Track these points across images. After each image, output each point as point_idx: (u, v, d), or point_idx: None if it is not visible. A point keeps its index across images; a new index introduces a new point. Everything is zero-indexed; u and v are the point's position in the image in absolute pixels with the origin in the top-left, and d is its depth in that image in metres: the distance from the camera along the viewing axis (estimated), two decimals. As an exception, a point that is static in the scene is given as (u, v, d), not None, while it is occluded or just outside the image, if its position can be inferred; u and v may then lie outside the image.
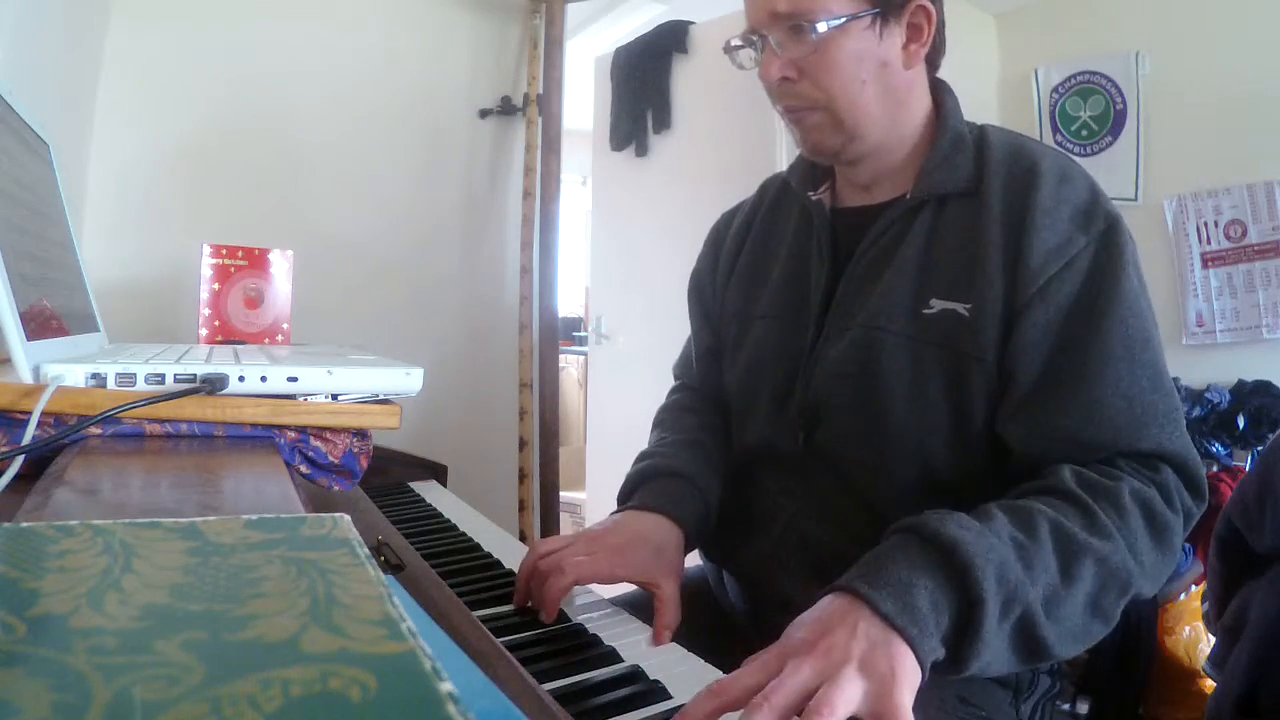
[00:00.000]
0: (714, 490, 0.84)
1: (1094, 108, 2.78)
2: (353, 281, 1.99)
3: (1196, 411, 2.41)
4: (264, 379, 0.63)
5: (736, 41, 0.80)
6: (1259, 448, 2.30)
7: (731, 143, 2.40)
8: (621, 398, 2.70)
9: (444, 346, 2.17)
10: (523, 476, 2.20)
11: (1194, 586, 1.74)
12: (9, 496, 0.45)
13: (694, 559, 0.95)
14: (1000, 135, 0.78)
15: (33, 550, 0.28)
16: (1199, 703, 1.64)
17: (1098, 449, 0.67)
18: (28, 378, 0.57)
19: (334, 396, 0.67)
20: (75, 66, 1.55)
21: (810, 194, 0.86)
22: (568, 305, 4.01)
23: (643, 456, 0.86)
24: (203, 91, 1.78)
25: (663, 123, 2.56)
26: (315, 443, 0.64)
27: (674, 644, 0.65)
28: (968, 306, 0.71)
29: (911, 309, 0.73)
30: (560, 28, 2.25)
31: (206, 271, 1.37)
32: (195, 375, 0.61)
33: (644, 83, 2.58)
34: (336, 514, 0.35)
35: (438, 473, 1.26)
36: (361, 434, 0.68)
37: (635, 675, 0.57)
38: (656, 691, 0.55)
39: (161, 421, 0.60)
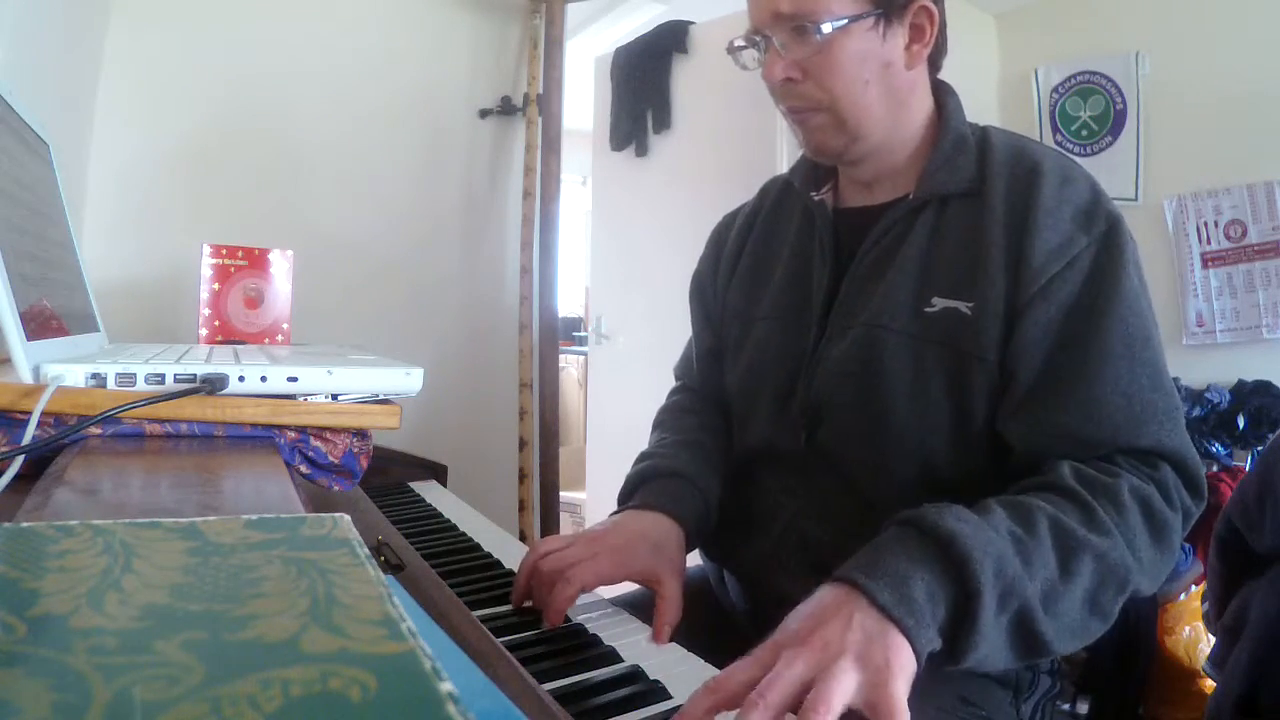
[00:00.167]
0: (714, 490, 0.84)
1: (1094, 108, 2.78)
2: (353, 281, 1.99)
3: (1196, 411, 2.41)
4: (264, 379, 0.63)
5: (740, 42, 0.80)
6: (1259, 448, 2.30)
7: (731, 143, 2.40)
8: (621, 398, 2.70)
9: (444, 346, 2.17)
10: (523, 476, 2.20)
11: (1194, 586, 1.74)
12: (9, 496, 0.45)
13: (694, 559, 0.95)
14: (1003, 136, 0.78)
15: (33, 550, 0.28)
16: (1199, 703, 1.64)
17: (1097, 446, 0.67)
18: (28, 378, 0.57)
19: (334, 396, 0.67)
20: (75, 66, 1.55)
21: (813, 194, 0.86)
22: (568, 305, 4.01)
23: (642, 457, 0.87)
24: (203, 91, 1.78)
25: (663, 123, 2.56)
26: (315, 443, 0.64)
27: (674, 644, 0.65)
28: (970, 305, 0.71)
29: (914, 307, 0.74)
30: (560, 28, 2.25)
31: (206, 271, 1.37)
32: (195, 375, 0.61)
33: (644, 83, 2.58)
34: (336, 514, 0.35)
35: (438, 473, 1.26)
36: (361, 434, 0.68)
37: (635, 675, 0.57)
38: (656, 691, 0.55)
39: (161, 421, 0.60)
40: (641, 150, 2.61)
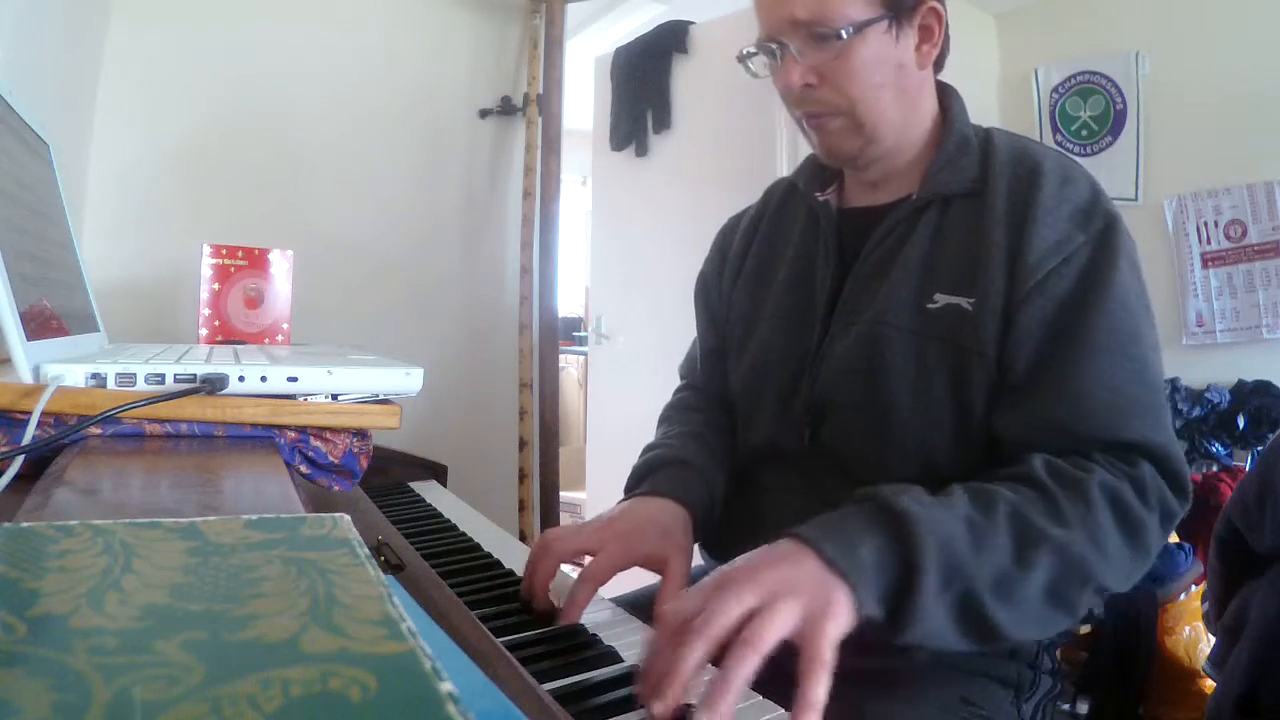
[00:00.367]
0: (719, 482, 0.84)
1: (1094, 108, 2.78)
2: (353, 281, 1.99)
3: (1196, 411, 2.41)
4: (264, 379, 0.63)
5: (750, 49, 0.80)
6: (1259, 448, 2.30)
7: (731, 143, 2.40)
8: (621, 398, 2.70)
9: (444, 346, 2.17)
10: (523, 476, 2.20)
11: (1194, 586, 1.74)
12: (9, 496, 0.46)
13: (696, 558, 0.95)
14: (1005, 138, 0.79)
15: (33, 550, 0.28)
16: (1199, 703, 1.64)
17: (1080, 438, 0.67)
18: (28, 378, 0.57)
19: (334, 396, 0.67)
20: (75, 66, 1.55)
21: (817, 195, 0.87)
22: (568, 305, 4.01)
23: (649, 448, 0.87)
24: (203, 91, 1.78)
25: (663, 123, 2.56)
26: (315, 443, 0.64)
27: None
28: (970, 301, 0.72)
29: (916, 304, 0.75)
30: (560, 28, 2.25)
31: (206, 271, 1.37)
32: (195, 375, 0.61)
33: (644, 83, 2.58)
34: (336, 514, 0.35)
35: (438, 473, 1.26)
36: (361, 434, 0.68)
37: (635, 675, 0.57)
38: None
39: (161, 421, 0.60)
40: (641, 150, 2.61)
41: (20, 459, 0.49)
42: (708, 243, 1.05)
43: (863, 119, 0.77)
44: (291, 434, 0.64)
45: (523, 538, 2.11)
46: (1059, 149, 0.82)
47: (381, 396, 0.69)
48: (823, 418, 0.79)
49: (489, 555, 0.84)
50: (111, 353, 0.73)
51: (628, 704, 0.53)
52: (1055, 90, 2.86)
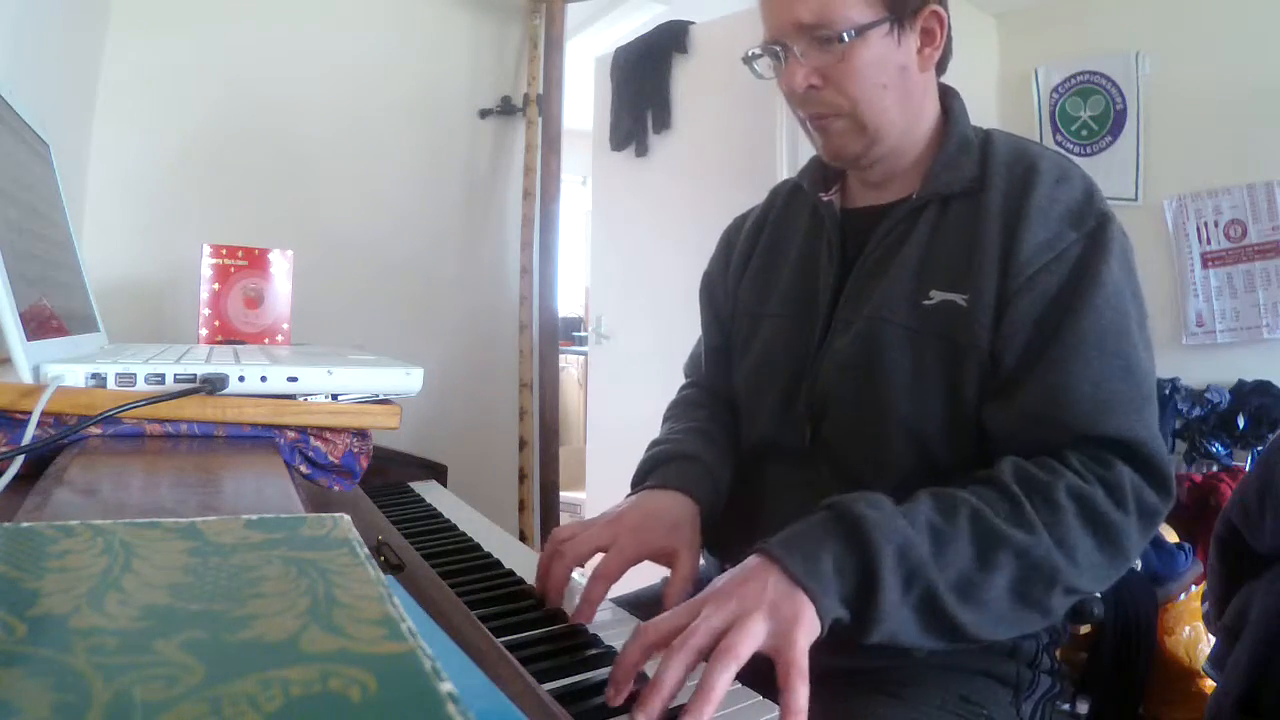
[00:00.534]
0: (724, 476, 0.86)
1: (1094, 108, 2.78)
2: (353, 281, 1.99)
3: (1196, 411, 2.41)
4: (264, 379, 0.63)
5: (755, 50, 0.81)
6: (1259, 448, 2.30)
7: (731, 143, 2.40)
8: (621, 398, 2.70)
9: (444, 346, 2.17)
10: (523, 476, 2.20)
11: (1194, 586, 1.74)
12: (9, 496, 0.46)
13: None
14: (1005, 138, 0.81)
15: (33, 550, 0.28)
16: (1199, 703, 1.64)
17: (1061, 432, 0.68)
18: (28, 378, 0.57)
19: (334, 396, 0.67)
20: (75, 66, 1.55)
21: (821, 195, 0.88)
22: (568, 305, 4.01)
23: (655, 444, 0.89)
24: (203, 91, 1.78)
25: (663, 123, 2.56)
26: (315, 443, 0.64)
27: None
28: (965, 297, 0.73)
29: (913, 300, 0.76)
30: (560, 28, 2.25)
31: (206, 271, 1.37)
32: (195, 375, 0.61)
33: (644, 83, 2.58)
34: (336, 514, 0.35)
35: (438, 473, 1.26)
36: (361, 434, 0.68)
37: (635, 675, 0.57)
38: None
39: (161, 421, 0.60)
40: (641, 150, 2.61)
41: (20, 459, 0.49)
42: (708, 242, 1.06)
43: (865, 120, 0.78)
44: (291, 434, 0.64)
45: (523, 538, 2.11)
46: (1059, 150, 0.82)
47: (381, 396, 0.69)
48: (823, 415, 0.80)
49: (489, 555, 0.84)
50: (111, 353, 0.73)
51: (628, 704, 0.53)
52: (1055, 90, 2.86)
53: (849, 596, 0.59)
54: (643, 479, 0.83)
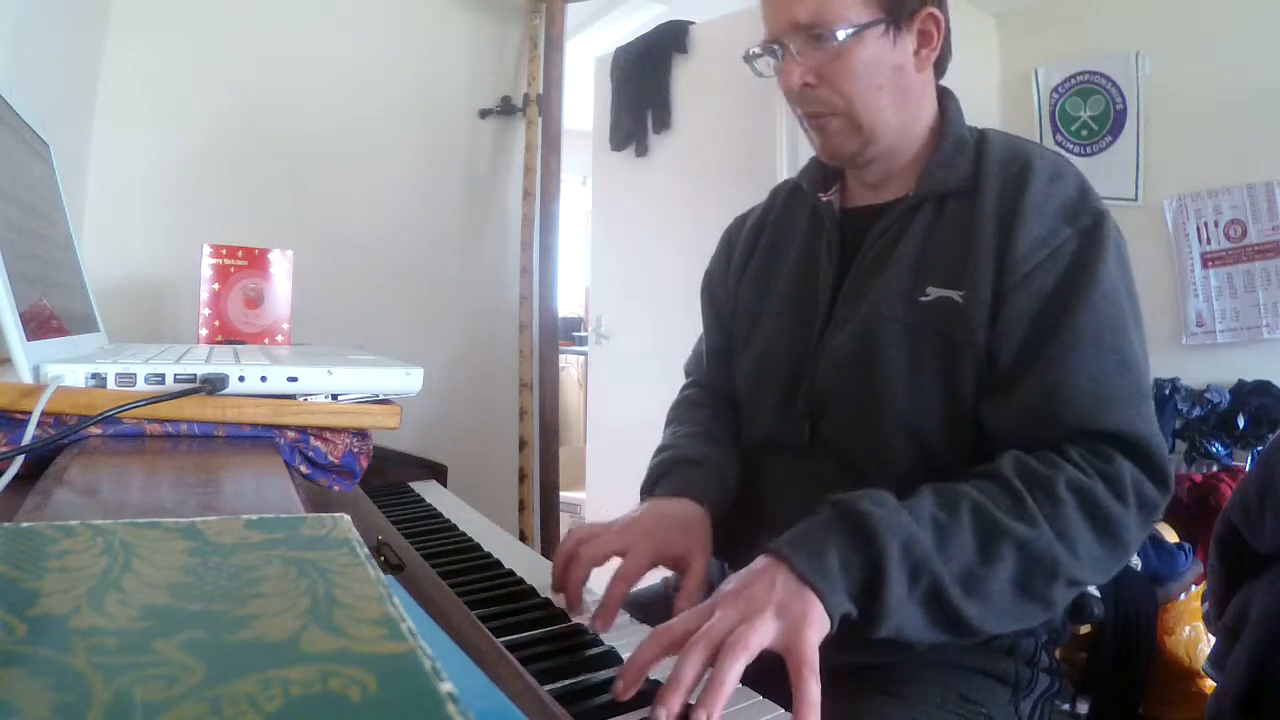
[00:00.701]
0: (731, 475, 0.87)
1: (1094, 108, 2.78)
2: (352, 281, 1.99)
3: (1196, 411, 2.41)
4: (264, 379, 0.63)
5: (756, 50, 0.83)
6: (1259, 448, 2.30)
7: (731, 143, 2.40)
8: (621, 398, 2.70)
9: (444, 346, 2.17)
10: (523, 476, 2.20)
11: (1194, 586, 1.74)
12: (9, 496, 0.46)
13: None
14: (1000, 137, 0.82)
15: (33, 550, 0.28)
16: (1199, 703, 1.64)
17: (1060, 427, 0.69)
18: (28, 378, 0.57)
19: (334, 396, 0.67)
20: (75, 66, 1.55)
21: (820, 195, 0.89)
22: (568, 305, 4.01)
23: (661, 449, 0.90)
24: (203, 92, 1.78)
25: (663, 123, 2.56)
26: (315, 443, 0.64)
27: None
28: (961, 294, 0.74)
29: (909, 297, 0.77)
30: (560, 28, 2.25)
31: (206, 271, 1.37)
32: (195, 375, 0.61)
33: (644, 83, 2.58)
34: (336, 514, 0.35)
35: (438, 473, 1.26)
36: (361, 434, 0.68)
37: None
38: (657, 691, 0.55)
39: (161, 421, 0.60)
40: (641, 150, 2.61)
41: (20, 459, 0.49)
42: (708, 242, 1.06)
43: (860, 119, 0.79)
44: (291, 434, 0.64)
45: (523, 538, 2.11)
46: (1055, 149, 0.83)
47: (381, 396, 0.69)
48: (822, 412, 0.81)
49: (489, 555, 0.84)
50: (111, 353, 0.73)
51: (628, 704, 0.53)
52: (1055, 90, 2.86)
53: (856, 592, 0.60)
54: (652, 486, 0.84)
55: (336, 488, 0.66)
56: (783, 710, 0.53)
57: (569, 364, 4.21)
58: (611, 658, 0.60)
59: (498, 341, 2.26)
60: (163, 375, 0.60)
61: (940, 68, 0.84)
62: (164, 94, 1.73)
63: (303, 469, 0.64)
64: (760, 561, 0.61)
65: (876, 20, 0.76)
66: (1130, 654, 1.62)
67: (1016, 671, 0.76)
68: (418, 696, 0.20)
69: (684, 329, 1.06)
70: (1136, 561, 1.67)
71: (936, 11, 0.79)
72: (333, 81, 1.96)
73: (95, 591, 0.25)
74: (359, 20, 2.01)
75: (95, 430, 0.57)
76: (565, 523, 2.56)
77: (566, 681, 0.55)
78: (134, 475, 0.51)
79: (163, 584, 0.26)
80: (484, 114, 2.22)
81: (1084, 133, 2.81)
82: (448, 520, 0.99)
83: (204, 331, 1.37)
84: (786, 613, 0.56)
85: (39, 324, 0.64)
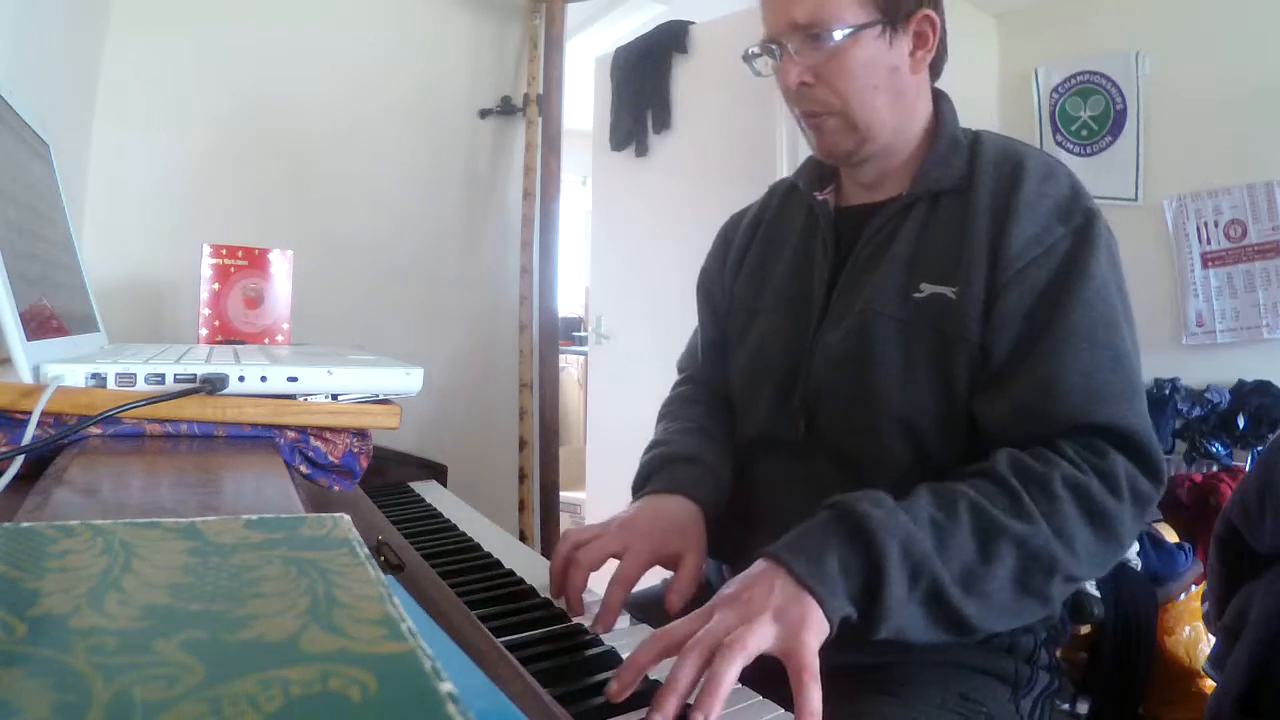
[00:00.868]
0: (725, 473, 0.87)
1: (1094, 108, 2.78)
2: (352, 281, 1.99)
3: (1196, 411, 2.41)
4: (264, 379, 0.63)
5: (754, 49, 0.84)
6: (1259, 448, 2.30)
7: (731, 143, 2.40)
8: (621, 398, 2.70)
9: (444, 346, 2.17)
10: (523, 476, 2.20)
11: (1194, 586, 1.74)
12: (9, 496, 0.46)
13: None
14: (993, 138, 0.83)
15: (33, 550, 0.28)
16: (1199, 703, 1.64)
17: (1053, 422, 0.70)
18: (28, 378, 0.57)
19: (334, 396, 0.67)
20: (75, 66, 1.55)
21: (816, 194, 0.90)
22: (568, 305, 4.01)
23: (653, 445, 0.90)
24: (203, 92, 1.78)
25: (663, 123, 2.56)
26: (315, 443, 0.64)
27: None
28: (954, 290, 0.75)
29: (903, 293, 0.77)
30: (560, 28, 2.25)
31: (206, 271, 1.37)
32: (195, 375, 0.61)
33: (644, 83, 2.58)
34: (336, 514, 0.35)
35: (438, 473, 1.26)
36: (361, 434, 0.68)
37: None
38: (654, 694, 0.55)
39: (161, 421, 0.60)
40: (641, 150, 2.61)
41: (20, 459, 0.49)
42: (708, 242, 1.06)
43: (856, 119, 0.80)
44: (291, 434, 0.64)
45: (523, 538, 2.11)
46: (1046, 151, 0.84)
47: (381, 396, 0.69)
48: (817, 407, 0.82)
49: (489, 555, 0.84)
50: (111, 353, 0.73)
51: (628, 704, 0.53)
52: (1055, 90, 2.86)
53: (856, 595, 0.60)
54: (644, 482, 0.84)
55: (336, 488, 0.66)
56: (782, 710, 0.53)
57: (569, 364, 4.21)
58: (612, 658, 0.60)
59: (498, 341, 2.26)
60: (163, 375, 0.60)
61: (935, 70, 0.85)
62: (164, 94, 1.73)
63: (303, 469, 0.64)
64: (759, 565, 0.61)
65: (873, 21, 0.77)
66: (1130, 654, 1.62)
67: (1016, 670, 0.76)
68: (418, 696, 0.20)
69: (684, 329, 1.06)
70: (1136, 561, 1.67)
71: (933, 14, 0.80)
72: (333, 81, 1.96)
73: (95, 591, 0.25)
74: (359, 20, 2.01)
75: (95, 430, 0.57)
76: (565, 523, 2.56)
77: (566, 682, 0.55)
78: (134, 475, 0.51)
79: (163, 584, 0.26)
80: (484, 114, 2.22)
81: (1084, 133, 2.81)
82: (448, 520, 0.99)
83: (204, 331, 1.37)
84: (785, 617, 0.56)
85: (39, 324, 0.64)
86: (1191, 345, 2.52)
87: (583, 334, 3.91)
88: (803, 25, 0.77)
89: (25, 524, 0.31)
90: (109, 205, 1.65)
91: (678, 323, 1.08)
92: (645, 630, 0.67)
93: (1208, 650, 1.52)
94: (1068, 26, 2.84)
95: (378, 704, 0.20)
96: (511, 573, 0.78)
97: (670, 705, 0.51)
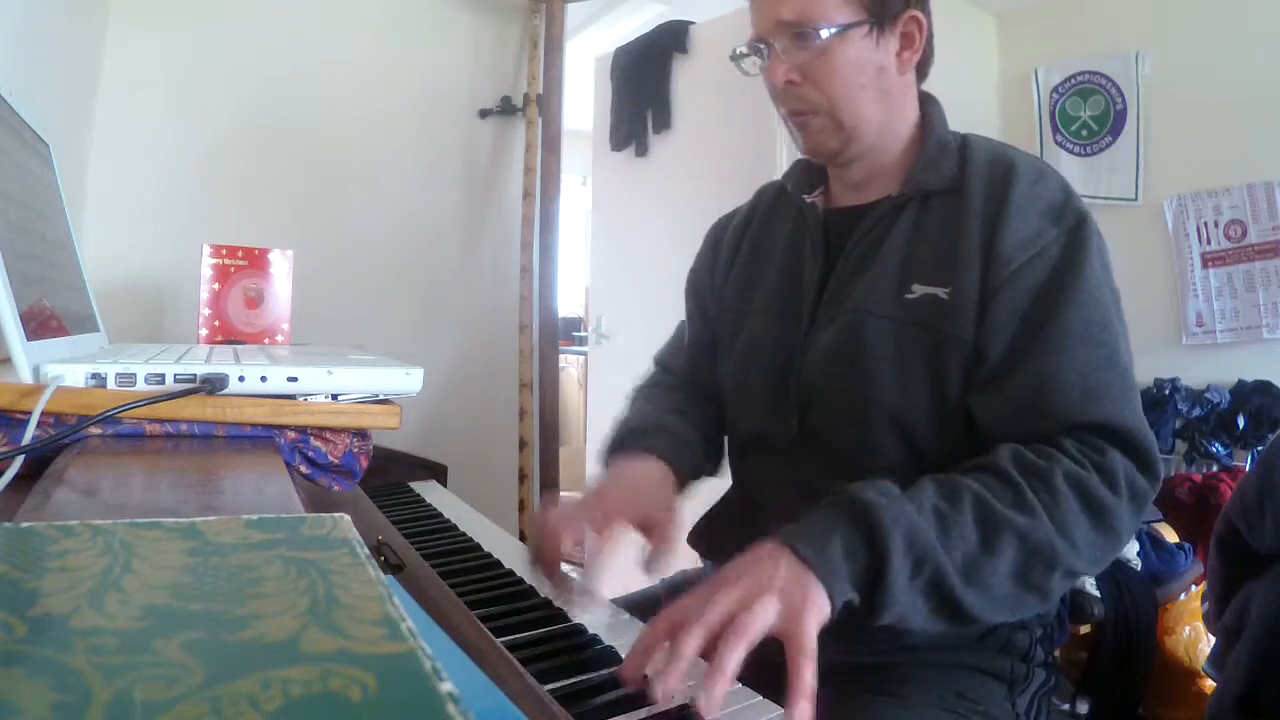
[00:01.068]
0: (699, 447, 0.88)
1: (1094, 108, 2.78)
2: (352, 281, 1.99)
3: (1196, 411, 2.41)
4: (264, 379, 0.63)
5: (743, 49, 0.84)
6: (1259, 448, 2.30)
7: (731, 143, 2.40)
8: (621, 398, 2.69)
9: (444, 346, 2.17)
10: (523, 476, 2.20)
11: (1194, 586, 1.74)
12: (9, 496, 0.46)
13: (694, 559, 0.95)
14: (982, 141, 0.83)
15: (33, 550, 0.28)
16: (1199, 703, 1.64)
17: (1051, 420, 0.70)
18: (28, 378, 0.57)
19: (334, 396, 0.67)
20: (75, 66, 1.55)
21: (805, 197, 0.90)
22: (568, 305, 4.01)
23: (622, 421, 0.92)
24: (203, 92, 1.78)
25: (663, 123, 2.56)
26: (315, 443, 0.64)
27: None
28: (947, 290, 0.75)
29: (895, 294, 0.78)
30: (560, 28, 2.25)
31: (206, 271, 1.37)
32: (195, 375, 0.61)
33: (644, 83, 2.58)
34: (336, 514, 0.35)
35: (438, 473, 1.26)
36: (361, 434, 0.68)
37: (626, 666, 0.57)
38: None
39: (161, 421, 0.60)
40: (641, 150, 2.61)
41: (20, 459, 0.49)
42: (708, 243, 1.06)
43: (842, 117, 0.80)
44: (291, 434, 0.64)
45: (523, 538, 2.11)
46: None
47: (381, 396, 0.69)
48: (810, 405, 0.82)
49: (489, 555, 0.84)
50: (111, 353, 0.73)
51: (628, 704, 0.53)
52: (1055, 90, 2.86)
53: (859, 581, 0.60)
54: (614, 450, 0.86)
55: (336, 488, 0.66)
56: (782, 710, 0.53)
57: (569, 364, 4.21)
58: (611, 657, 0.60)
59: (498, 341, 2.26)
60: (163, 375, 0.60)
61: (923, 71, 0.85)
62: (164, 95, 1.73)
63: (303, 469, 0.64)
64: (765, 548, 0.62)
65: (860, 21, 0.78)
66: (1130, 654, 1.62)
67: (1012, 668, 0.77)
68: (418, 696, 0.20)
69: (684, 329, 1.06)
70: (1136, 562, 1.67)
71: (920, 15, 0.81)
72: (332, 82, 1.96)
73: (95, 591, 0.25)
74: (359, 21, 2.01)
75: (95, 430, 0.57)
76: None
77: (566, 681, 0.55)
78: (134, 475, 0.51)
79: (163, 584, 0.26)
80: (484, 114, 2.22)
81: (1084, 133, 2.80)
82: (448, 520, 0.99)
83: (204, 331, 1.37)
84: (787, 597, 0.57)
85: (39, 324, 0.64)
86: (1191, 345, 2.52)
87: (583, 334, 3.91)
88: (790, 24, 0.78)
89: (25, 524, 0.31)
90: (109, 205, 1.65)
91: (678, 323, 1.08)
92: (633, 622, 0.67)
93: (1208, 650, 1.52)
94: (1068, 26, 2.84)
95: (378, 704, 0.20)
96: (511, 573, 0.78)
97: (673, 677, 0.52)
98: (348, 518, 0.34)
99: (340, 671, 0.21)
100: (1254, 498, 1.19)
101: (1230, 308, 2.47)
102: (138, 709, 0.19)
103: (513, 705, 0.39)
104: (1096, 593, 1.52)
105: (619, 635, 0.65)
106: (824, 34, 0.77)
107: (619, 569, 0.81)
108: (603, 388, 2.85)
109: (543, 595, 0.72)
